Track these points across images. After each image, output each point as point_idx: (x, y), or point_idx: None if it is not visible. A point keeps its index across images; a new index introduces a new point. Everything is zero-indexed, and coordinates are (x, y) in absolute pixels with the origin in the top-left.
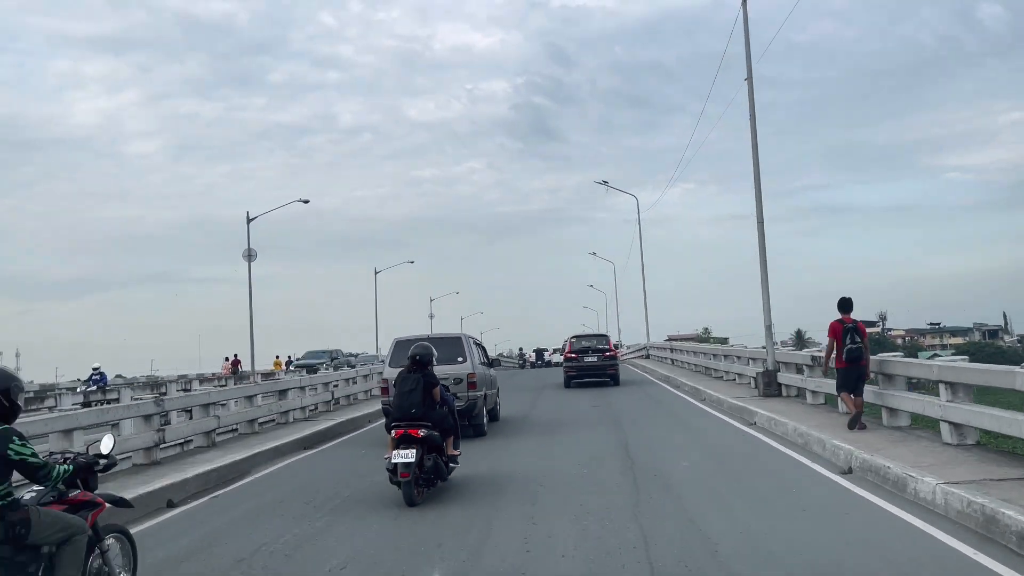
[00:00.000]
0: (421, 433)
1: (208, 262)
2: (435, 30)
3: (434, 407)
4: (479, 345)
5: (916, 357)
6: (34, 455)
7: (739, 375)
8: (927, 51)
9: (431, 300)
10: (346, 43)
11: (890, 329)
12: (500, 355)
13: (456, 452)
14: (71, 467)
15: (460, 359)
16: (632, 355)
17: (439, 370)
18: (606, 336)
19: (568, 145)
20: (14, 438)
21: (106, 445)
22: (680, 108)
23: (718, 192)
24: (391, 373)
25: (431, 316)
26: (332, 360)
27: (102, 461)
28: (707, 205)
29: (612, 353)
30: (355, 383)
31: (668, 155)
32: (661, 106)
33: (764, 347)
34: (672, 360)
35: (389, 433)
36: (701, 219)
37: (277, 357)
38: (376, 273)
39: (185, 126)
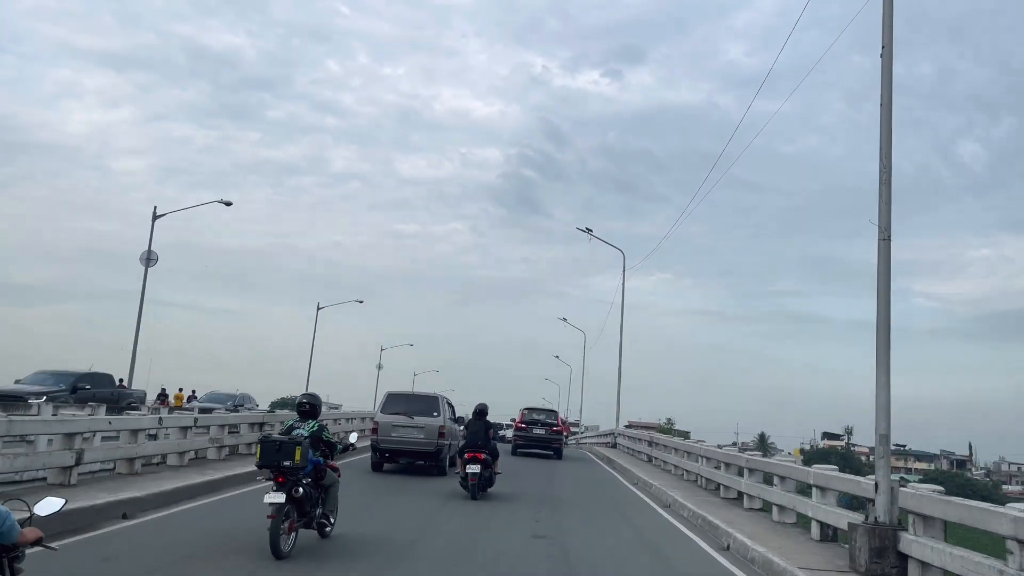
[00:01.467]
0: (483, 456)
1: (177, 287)
2: (437, 92)
3: (488, 442)
4: (450, 405)
5: None
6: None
7: (789, 514)
8: (907, 179)
9: (381, 349)
10: (348, 92)
11: (855, 444)
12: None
13: (498, 471)
14: (341, 446)
15: (435, 414)
16: (594, 440)
17: (417, 420)
18: (555, 412)
19: (551, 220)
20: (327, 425)
21: (353, 437)
22: (664, 198)
23: (692, 286)
24: (382, 417)
25: (379, 367)
26: (236, 407)
27: (349, 446)
28: (679, 297)
29: (559, 428)
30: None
31: (648, 242)
32: (646, 193)
33: (830, 470)
34: (649, 457)
35: (456, 460)
36: (670, 311)
37: (180, 391)
38: (319, 309)
39: (175, 149)
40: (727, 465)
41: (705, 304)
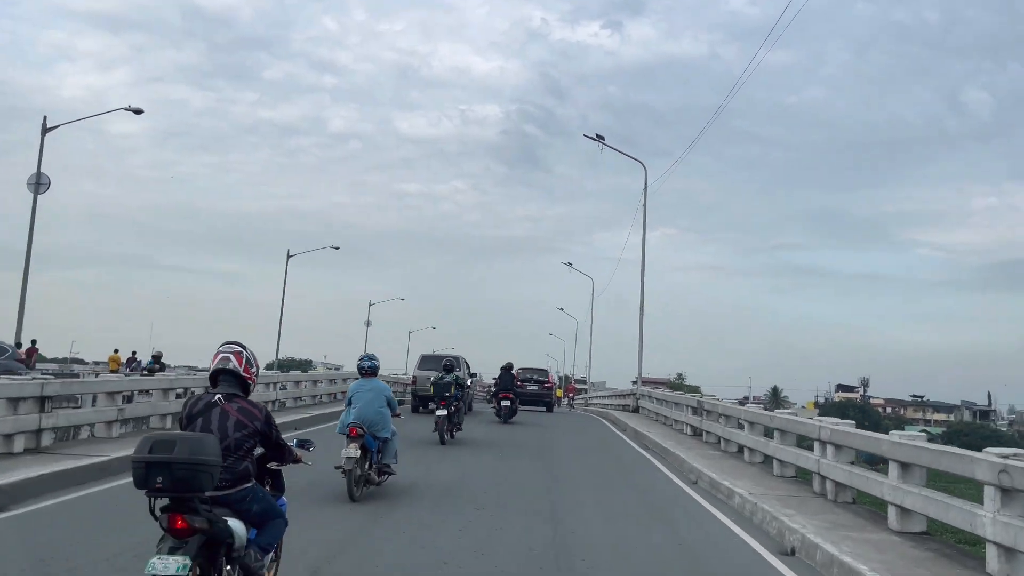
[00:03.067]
0: (511, 396)
1: (178, 252)
2: (435, 48)
3: (514, 387)
4: (467, 363)
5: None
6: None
7: None
8: (912, 128)
9: (370, 304)
10: (345, 50)
11: (870, 396)
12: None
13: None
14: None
15: (457, 370)
16: (608, 401)
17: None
18: (546, 371)
19: (552, 176)
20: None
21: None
22: (666, 153)
23: (698, 241)
24: (418, 372)
25: (367, 323)
26: (147, 369)
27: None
28: (684, 252)
29: (549, 385)
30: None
31: (651, 197)
32: (648, 148)
33: None
34: (695, 429)
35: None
36: (676, 266)
37: (116, 352)
38: (288, 256)
39: (173, 112)
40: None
41: (710, 259)
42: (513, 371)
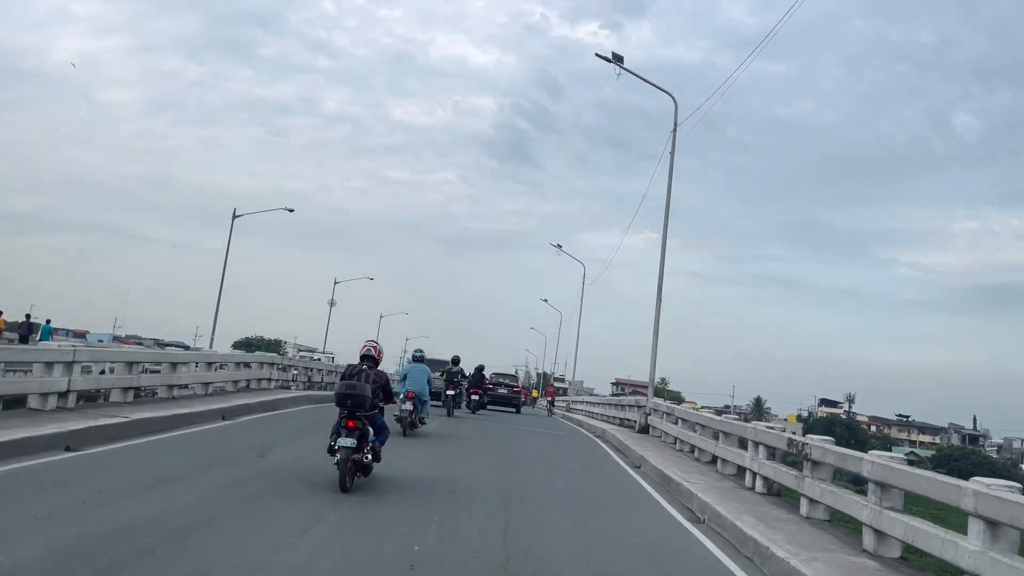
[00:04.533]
0: (480, 391)
1: (163, 223)
2: (433, 37)
3: (483, 384)
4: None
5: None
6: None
7: None
8: (899, 147)
9: (335, 282)
10: (343, 32)
11: (855, 412)
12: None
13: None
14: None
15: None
16: (599, 411)
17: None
18: (516, 376)
19: (542, 173)
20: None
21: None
22: (656, 156)
23: (679, 247)
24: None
25: (331, 303)
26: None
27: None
28: (668, 257)
29: (518, 390)
30: None
31: (638, 200)
32: (639, 151)
33: None
34: (776, 484)
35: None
36: (657, 270)
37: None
38: (234, 217)
39: (166, 83)
40: None
41: (692, 265)
42: (484, 371)
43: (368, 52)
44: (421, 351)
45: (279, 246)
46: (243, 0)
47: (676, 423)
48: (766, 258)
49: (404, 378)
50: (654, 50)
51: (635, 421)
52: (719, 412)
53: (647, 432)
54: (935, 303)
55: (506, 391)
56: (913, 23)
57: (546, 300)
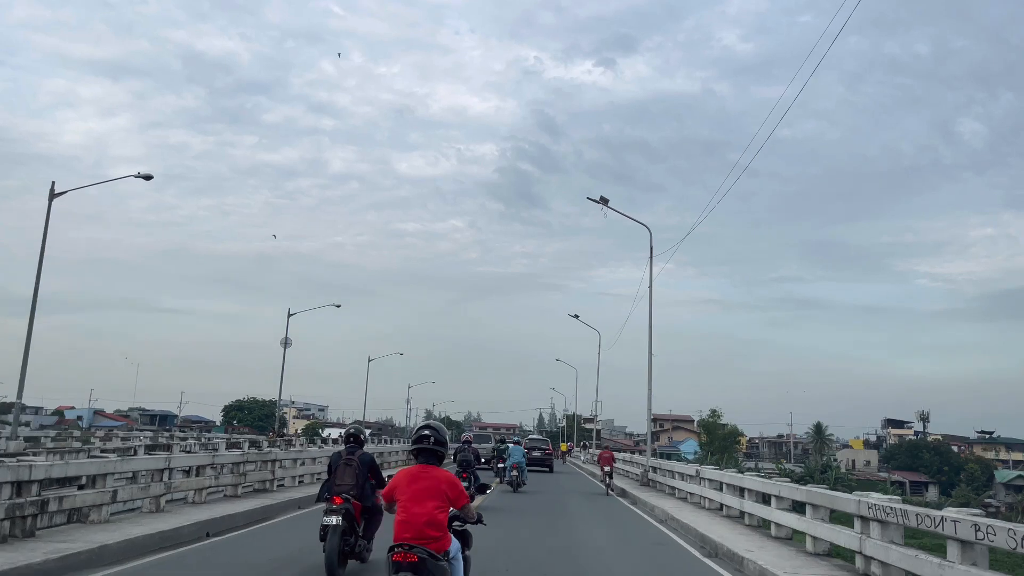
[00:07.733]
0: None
1: (178, 293)
2: (432, 89)
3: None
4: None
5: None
6: None
7: None
8: (907, 159)
9: (289, 314)
10: (344, 92)
11: (928, 433)
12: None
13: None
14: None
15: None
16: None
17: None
18: (547, 440)
19: (549, 213)
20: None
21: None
22: (661, 188)
23: (695, 276)
24: (478, 445)
25: (285, 343)
26: None
27: None
28: (684, 287)
29: (549, 451)
30: None
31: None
32: (644, 184)
33: None
34: None
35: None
36: (675, 300)
37: None
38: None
39: (173, 156)
40: None
41: (709, 293)
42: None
43: (370, 109)
44: (519, 438)
45: (288, 304)
46: (245, 69)
47: (685, 480)
48: (783, 280)
49: (508, 454)
50: (652, 84)
51: (641, 478)
52: (773, 443)
53: (649, 485)
54: (957, 313)
55: (539, 454)
56: (908, 34)
57: (559, 360)
